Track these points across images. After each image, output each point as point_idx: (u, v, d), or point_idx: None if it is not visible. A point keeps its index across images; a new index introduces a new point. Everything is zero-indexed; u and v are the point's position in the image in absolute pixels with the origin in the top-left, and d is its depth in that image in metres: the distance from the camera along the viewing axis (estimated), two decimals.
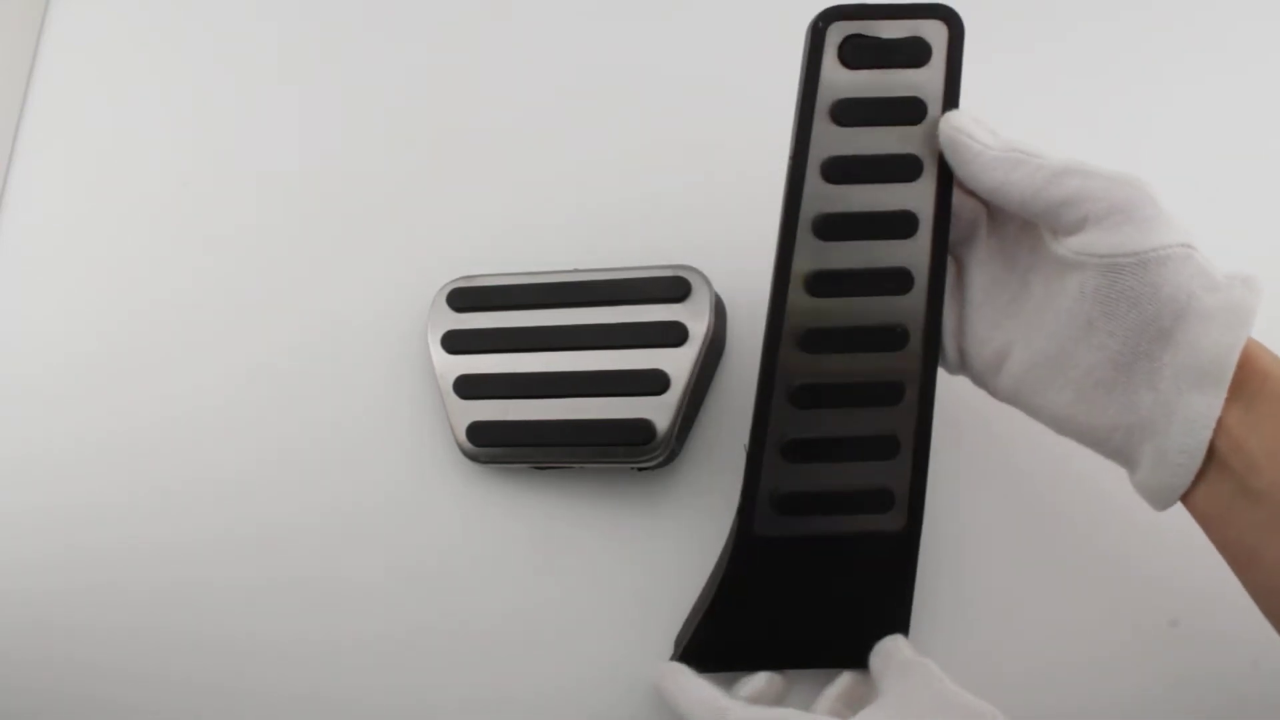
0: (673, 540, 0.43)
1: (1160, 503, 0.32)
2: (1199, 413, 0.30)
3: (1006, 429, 0.43)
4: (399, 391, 0.46)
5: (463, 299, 0.44)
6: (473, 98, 0.51)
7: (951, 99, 0.36)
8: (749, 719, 0.34)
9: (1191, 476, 0.30)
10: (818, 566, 0.38)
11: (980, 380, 0.37)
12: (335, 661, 0.42)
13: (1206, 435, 0.30)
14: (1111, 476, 0.43)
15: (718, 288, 0.43)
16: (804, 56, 0.36)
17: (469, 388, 0.43)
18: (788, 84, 0.46)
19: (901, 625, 0.38)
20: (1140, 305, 0.31)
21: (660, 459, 0.41)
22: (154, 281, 0.49)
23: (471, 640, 0.42)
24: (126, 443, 0.46)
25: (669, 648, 0.41)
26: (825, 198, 0.36)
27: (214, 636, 0.43)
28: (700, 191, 0.48)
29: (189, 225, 0.50)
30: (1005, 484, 0.43)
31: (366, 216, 0.49)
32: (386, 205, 0.49)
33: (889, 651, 0.36)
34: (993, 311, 0.36)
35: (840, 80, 0.36)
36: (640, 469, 0.42)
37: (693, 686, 0.36)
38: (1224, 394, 0.29)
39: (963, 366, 0.37)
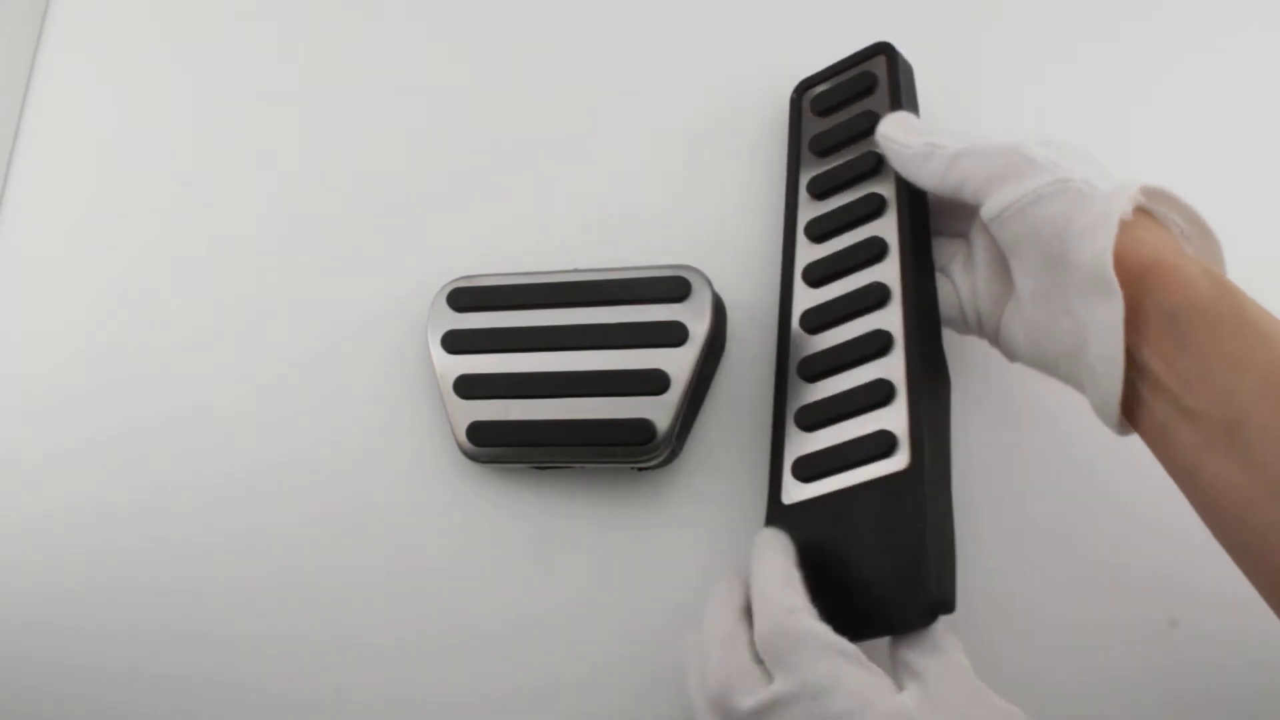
0: (673, 540, 0.43)
1: (1110, 421, 0.33)
2: (1103, 320, 0.31)
3: (1007, 428, 0.44)
4: (399, 391, 0.46)
5: (463, 299, 0.44)
6: (473, 98, 0.51)
7: (896, 109, 0.42)
8: (817, 631, 0.31)
9: (1119, 385, 0.31)
10: (840, 524, 0.37)
11: (991, 338, 0.40)
12: (334, 661, 0.42)
13: (1117, 340, 0.31)
14: (1112, 475, 0.43)
15: (718, 288, 0.43)
16: (789, 118, 0.46)
17: (469, 388, 0.43)
18: (787, 87, 0.46)
19: (918, 568, 0.35)
20: (1033, 244, 0.34)
21: (660, 459, 0.41)
22: (155, 282, 0.49)
23: (471, 640, 0.42)
24: (126, 444, 0.46)
25: (667, 646, 0.41)
26: (813, 209, 0.44)
27: (214, 637, 0.43)
28: (700, 192, 0.48)
29: (190, 225, 0.50)
30: (1005, 484, 0.43)
31: (367, 217, 0.49)
32: (386, 205, 0.49)
33: (923, 635, 0.34)
34: (992, 275, 0.39)
35: (816, 125, 0.45)
36: (640, 469, 0.42)
37: (778, 565, 0.34)
38: (1117, 296, 0.30)
39: (979, 328, 0.40)
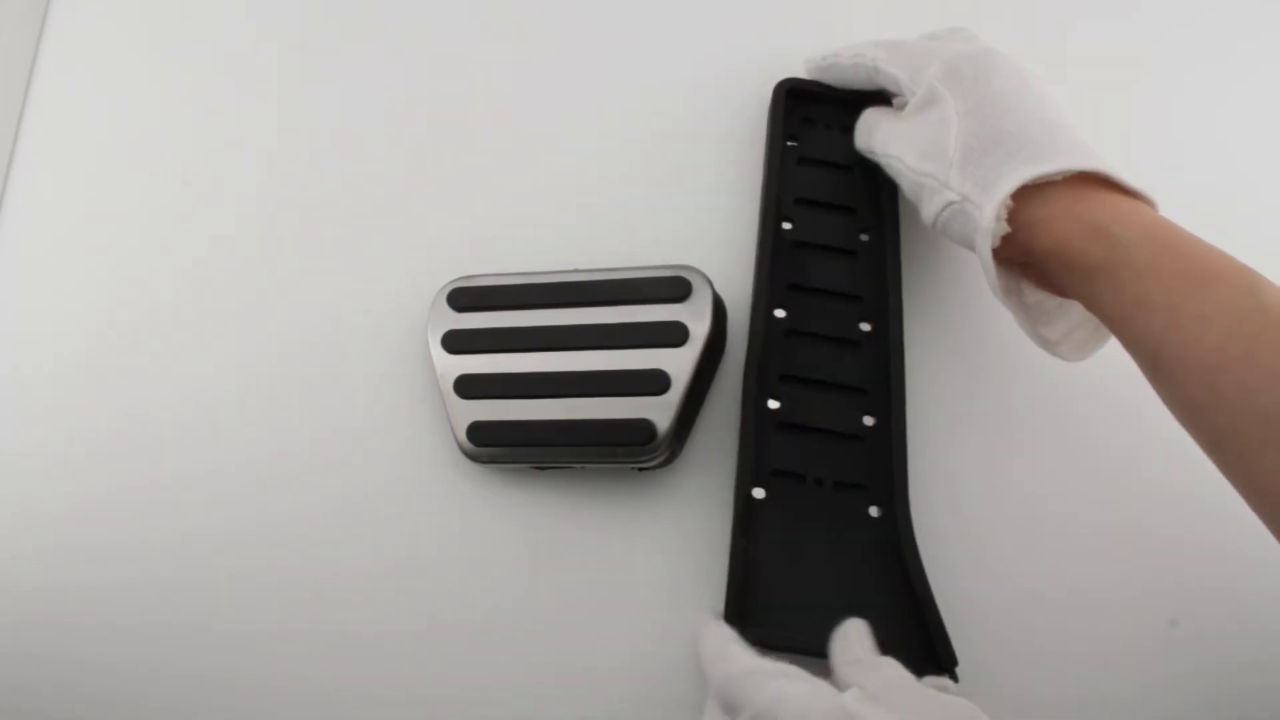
0: (673, 540, 0.43)
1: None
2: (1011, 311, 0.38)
3: (1010, 439, 0.44)
4: (399, 391, 0.46)
5: (463, 299, 0.44)
6: (473, 98, 0.51)
7: None
8: (757, 664, 0.34)
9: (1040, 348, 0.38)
10: None
11: None
12: (332, 661, 0.42)
13: (1028, 327, 0.37)
14: (1111, 476, 0.43)
15: (718, 288, 0.43)
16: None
17: (469, 388, 0.43)
18: None
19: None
20: (960, 245, 0.39)
21: (660, 459, 0.41)
22: (155, 281, 0.49)
23: (471, 640, 0.42)
24: (125, 443, 0.46)
25: (667, 646, 0.41)
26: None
27: (214, 631, 0.43)
28: (701, 191, 0.48)
29: (190, 225, 0.50)
30: (1007, 484, 0.43)
31: (366, 216, 0.49)
32: (386, 205, 0.49)
33: (850, 643, 0.36)
34: None
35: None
36: (640, 469, 0.42)
37: (720, 632, 0.37)
38: (1011, 305, 0.37)
39: None
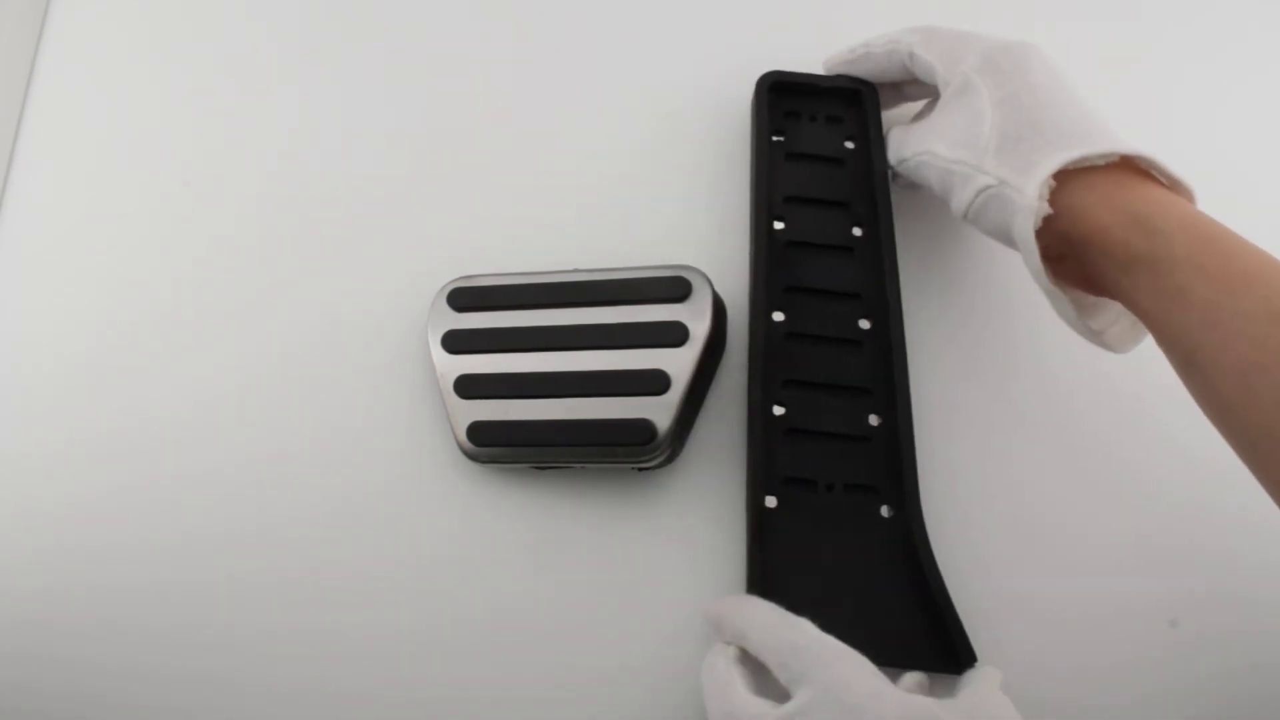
0: (673, 540, 0.43)
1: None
2: (1050, 299, 0.37)
3: (1005, 437, 0.44)
4: (399, 391, 0.46)
5: (463, 299, 0.44)
6: (473, 98, 0.51)
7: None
8: (827, 641, 0.33)
9: (1079, 332, 0.37)
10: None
11: None
12: (331, 660, 0.42)
13: (1073, 319, 0.36)
14: (1112, 476, 0.43)
15: (719, 288, 0.43)
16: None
17: (469, 388, 0.43)
18: None
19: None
20: (995, 235, 0.39)
21: (660, 459, 0.41)
22: (155, 281, 0.49)
23: (471, 639, 0.42)
24: (125, 444, 0.46)
25: (667, 647, 0.41)
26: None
27: (213, 630, 0.43)
28: (702, 191, 0.48)
29: (190, 225, 0.50)
30: (1007, 484, 0.43)
31: (366, 216, 0.49)
32: (386, 205, 0.49)
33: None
34: None
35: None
36: (640, 469, 0.42)
37: (770, 606, 0.36)
38: (1055, 296, 0.36)
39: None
